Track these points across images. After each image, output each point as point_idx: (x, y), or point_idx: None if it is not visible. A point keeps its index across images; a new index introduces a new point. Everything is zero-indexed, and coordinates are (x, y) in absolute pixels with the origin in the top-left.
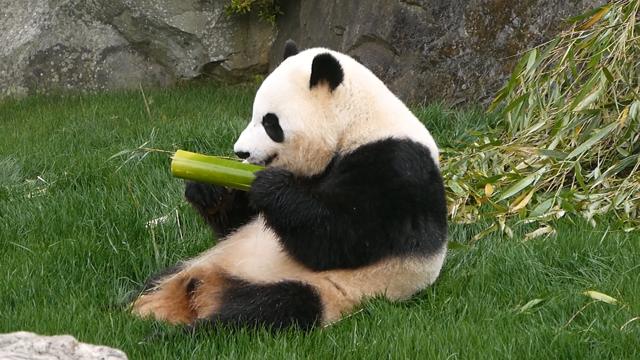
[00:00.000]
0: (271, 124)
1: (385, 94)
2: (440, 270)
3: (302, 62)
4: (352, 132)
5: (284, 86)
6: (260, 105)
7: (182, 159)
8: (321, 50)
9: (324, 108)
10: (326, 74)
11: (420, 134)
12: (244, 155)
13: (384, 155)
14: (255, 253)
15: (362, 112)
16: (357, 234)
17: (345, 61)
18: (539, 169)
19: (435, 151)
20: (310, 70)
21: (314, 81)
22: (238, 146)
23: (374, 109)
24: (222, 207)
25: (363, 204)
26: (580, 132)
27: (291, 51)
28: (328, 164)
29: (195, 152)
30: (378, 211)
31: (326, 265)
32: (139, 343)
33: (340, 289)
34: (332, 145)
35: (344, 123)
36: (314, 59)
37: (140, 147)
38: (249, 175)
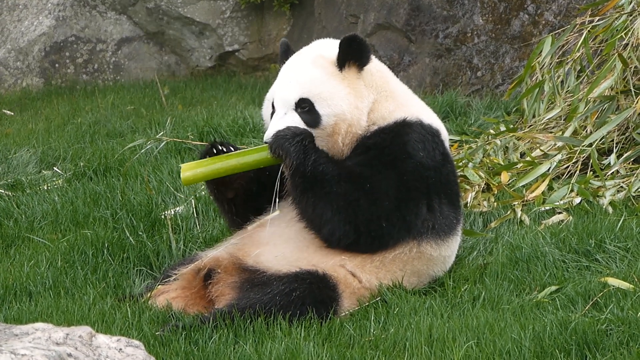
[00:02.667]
0: (306, 109)
1: (393, 76)
2: (455, 256)
3: (319, 49)
4: (374, 110)
5: (314, 72)
6: (290, 92)
7: (189, 171)
8: (328, 40)
9: (357, 89)
10: (355, 54)
11: (430, 116)
12: None
13: (399, 137)
14: (271, 242)
15: (382, 90)
16: (372, 211)
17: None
18: (555, 155)
19: (445, 133)
20: (338, 52)
21: (342, 63)
22: (272, 133)
23: (390, 87)
24: (240, 188)
25: (378, 184)
26: (596, 119)
27: (289, 48)
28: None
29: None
30: (393, 192)
31: (340, 237)
32: (157, 333)
33: (356, 277)
34: (364, 125)
35: (371, 101)
36: (342, 41)
37: (156, 137)
38: (264, 150)
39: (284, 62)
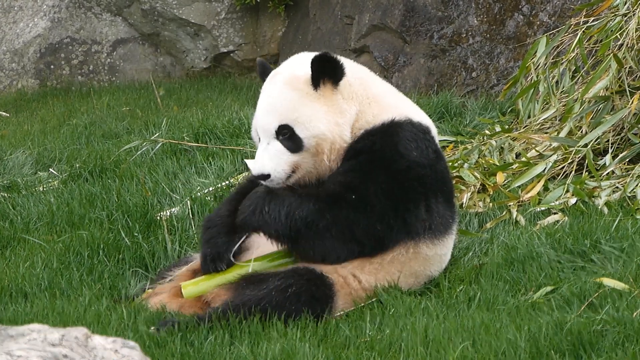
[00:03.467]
0: (287, 135)
1: (375, 78)
2: (451, 256)
3: (293, 69)
4: (359, 119)
5: (288, 95)
6: (269, 121)
7: (190, 287)
8: (304, 55)
9: (334, 105)
10: (328, 72)
11: (418, 114)
12: (265, 177)
13: (389, 138)
14: (262, 245)
15: (364, 98)
16: (366, 218)
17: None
18: (550, 156)
19: (434, 130)
20: (311, 72)
21: (316, 82)
22: (259, 169)
23: (372, 92)
24: None
25: (366, 190)
26: (591, 119)
27: (266, 67)
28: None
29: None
30: (387, 195)
31: (347, 256)
32: (151, 330)
33: (356, 277)
34: (347, 139)
35: (353, 113)
36: (312, 61)
37: (152, 138)
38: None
39: (262, 79)
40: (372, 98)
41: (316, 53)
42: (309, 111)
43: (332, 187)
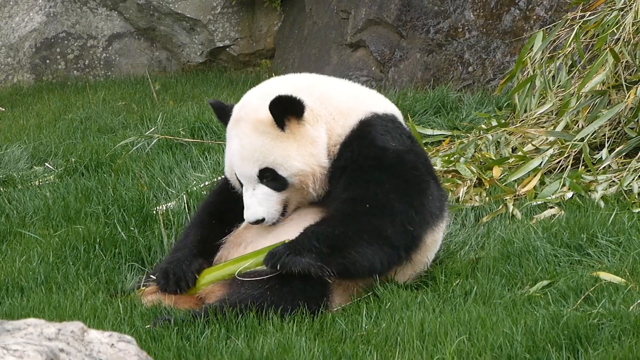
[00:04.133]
0: (270, 177)
1: (333, 87)
2: (448, 250)
3: (255, 113)
4: (331, 137)
5: (259, 141)
6: (249, 168)
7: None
8: (257, 93)
9: (304, 137)
10: (288, 112)
11: (382, 104)
12: (260, 221)
13: (362, 139)
14: (259, 241)
15: (327, 115)
16: (390, 221)
17: (285, 84)
18: (547, 150)
19: (400, 115)
20: (272, 117)
21: (281, 124)
22: (252, 216)
23: (333, 107)
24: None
25: (376, 195)
26: (587, 113)
27: (224, 109)
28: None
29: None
30: (396, 192)
31: (389, 262)
32: (147, 327)
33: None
34: (326, 164)
35: (324, 136)
36: (270, 107)
37: (147, 134)
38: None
39: (222, 122)
40: (334, 112)
41: (270, 95)
42: (282, 152)
43: (341, 206)
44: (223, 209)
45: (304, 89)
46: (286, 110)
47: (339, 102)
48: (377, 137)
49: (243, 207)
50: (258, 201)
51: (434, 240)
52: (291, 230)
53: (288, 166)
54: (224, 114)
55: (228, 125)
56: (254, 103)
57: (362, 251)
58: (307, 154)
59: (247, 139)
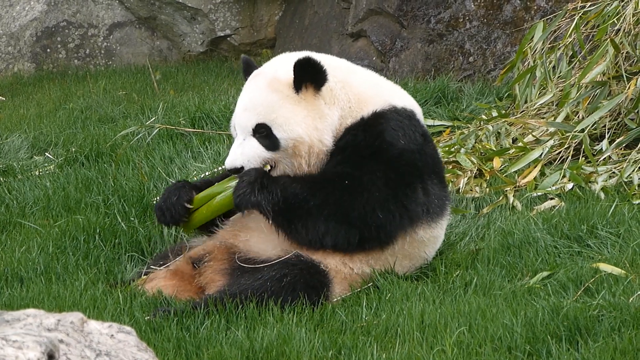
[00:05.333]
0: (264, 134)
1: (357, 74)
2: (448, 241)
3: (275, 70)
4: (342, 123)
5: (269, 96)
6: (247, 119)
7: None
8: (288, 56)
9: (315, 109)
10: (310, 76)
11: (402, 99)
12: (238, 170)
13: (373, 129)
14: (261, 228)
15: (346, 102)
16: (362, 204)
17: (319, 58)
18: (547, 141)
19: (419, 112)
20: (293, 76)
21: (298, 86)
22: (230, 162)
23: (353, 93)
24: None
25: (360, 178)
26: (588, 104)
27: (250, 65)
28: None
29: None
30: (383, 182)
31: (344, 242)
32: (147, 318)
33: (347, 265)
34: (329, 144)
35: (336, 118)
36: (295, 65)
37: (148, 123)
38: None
39: (246, 79)
40: (353, 99)
41: (300, 56)
42: (287, 114)
43: (324, 174)
44: None
45: (332, 68)
46: (308, 76)
47: (360, 91)
48: (387, 131)
49: None
50: (242, 151)
51: (433, 236)
52: None
53: (288, 128)
54: (249, 70)
55: (248, 78)
56: (277, 63)
57: (314, 224)
58: (312, 125)
59: (258, 91)
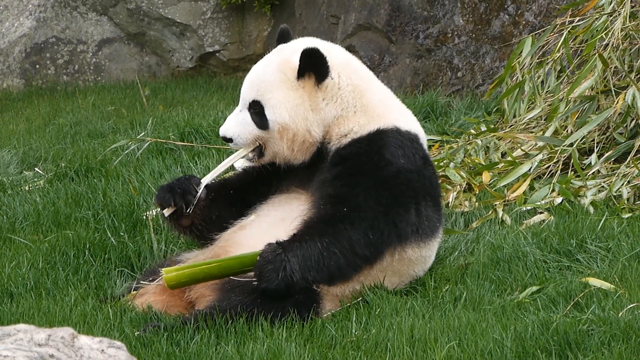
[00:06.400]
0: (257, 111)
1: (373, 86)
2: (437, 256)
3: (292, 52)
4: (340, 125)
5: (272, 75)
6: (248, 92)
7: (173, 272)
8: (312, 42)
9: (310, 100)
10: (313, 68)
11: (408, 122)
12: (228, 140)
13: (375, 145)
14: (251, 244)
15: (350, 106)
16: (361, 231)
17: (336, 53)
18: (536, 155)
19: (423, 137)
20: (299, 62)
21: (301, 73)
22: (223, 131)
23: (362, 102)
24: (196, 217)
25: (357, 198)
26: (576, 118)
27: (284, 37)
28: (313, 153)
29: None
30: (376, 200)
31: (354, 273)
32: (137, 334)
33: (339, 285)
34: (317, 137)
35: (331, 116)
36: (302, 52)
37: (138, 137)
38: (246, 259)
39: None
40: (360, 107)
41: (314, 44)
42: (281, 97)
43: (322, 207)
44: (237, 184)
45: (347, 70)
46: (311, 66)
47: (370, 104)
48: (387, 149)
49: (256, 192)
50: (236, 123)
51: (422, 256)
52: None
53: (277, 112)
54: (281, 41)
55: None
56: (300, 44)
57: (330, 264)
58: (302, 115)
59: (267, 68)
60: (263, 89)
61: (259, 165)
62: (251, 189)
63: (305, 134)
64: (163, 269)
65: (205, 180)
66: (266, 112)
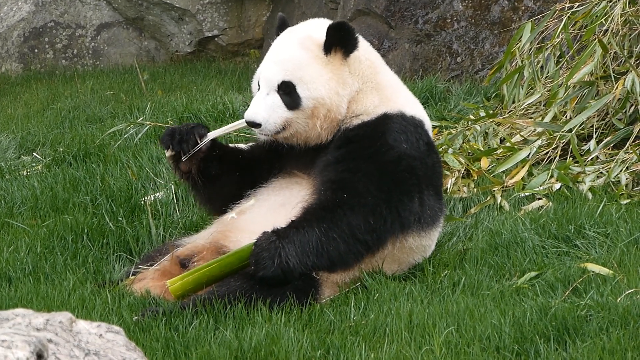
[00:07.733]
0: (287, 91)
1: (384, 67)
2: (435, 244)
3: (310, 30)
4: (357, 101)
5: (299, 53)
6: (274, 73)
7: (177, 282)
8: (322, 20)
9: (339, 75)
10: (341, 41)
11: (414, 108)
12: (256, 125)
13: (379, 129)
14: (250, 229)
15: (368, 81)
16: (361, 216)
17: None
18: (535, 141)
19: (428, 123)
20: (325, 37)
21: (328, 48)
22: (251, 116)
23: (377, 79)
24: (193, 166)
25: (357, 184)
26: (575, 104)
27: (284, 24)
28: (334, 133)
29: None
30: (378, 187)
31: (355, 259)
32: (134, 319)
33: (339, 272)
34: (343, 113)
35: (354, 89)
36: (329, 27)
37: (138, 121)
38: (244, 252)
39: (278, 35)
40: (376, 84)
41: (335, 21)
42: (314, 73)
43: (323, 194)
44: (247, 153)
45: (365, 46)
46: (341, 40)
47: (384, 83)
48: (391, 134)
49: (263, 168)
50: (265, 107)
51: (422, 245)
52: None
53: (312, 87)
54: (283, 27)
55: (279, 35)
56: (313, 23)
57: (329, 249)
58: (335, 90)
59: (288, 47)
60: (292, 67)
61: (271, 140)
62: (257, 162)
63: (336, 110)
64: (167, 281)
65: (212, 134)
66: (299, 90)
